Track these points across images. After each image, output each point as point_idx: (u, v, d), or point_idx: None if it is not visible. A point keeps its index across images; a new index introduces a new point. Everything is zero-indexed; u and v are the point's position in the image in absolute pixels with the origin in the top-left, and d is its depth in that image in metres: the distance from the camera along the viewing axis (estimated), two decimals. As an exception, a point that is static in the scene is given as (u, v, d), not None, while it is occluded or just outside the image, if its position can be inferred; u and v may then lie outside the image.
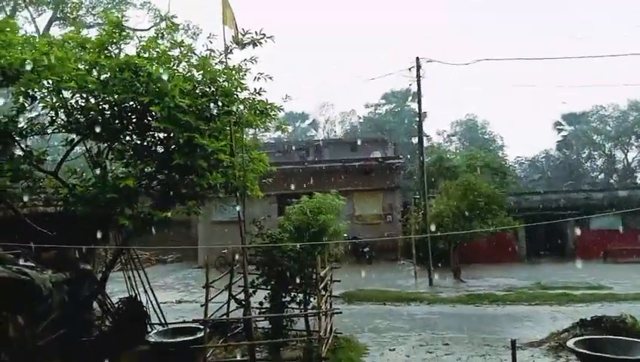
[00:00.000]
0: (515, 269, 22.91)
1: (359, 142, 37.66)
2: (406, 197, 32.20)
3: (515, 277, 20.70)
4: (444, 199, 21.22)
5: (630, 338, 8.78)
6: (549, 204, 28.02)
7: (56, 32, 21.86)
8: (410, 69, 21.06)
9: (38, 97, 7.94)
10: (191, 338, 10.28)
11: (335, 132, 59.93)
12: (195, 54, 9.20)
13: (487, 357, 10.19)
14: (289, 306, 10.22)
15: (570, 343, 8.63)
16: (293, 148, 38.08)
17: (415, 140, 35.40)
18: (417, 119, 24.13)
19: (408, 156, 42.68)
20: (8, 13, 21.02)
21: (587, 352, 8.06)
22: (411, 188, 34.11)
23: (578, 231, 27.22)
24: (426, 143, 52.40)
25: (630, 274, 20.57)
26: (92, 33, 8.84)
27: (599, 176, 52.66)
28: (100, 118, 8.32)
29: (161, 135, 8.26)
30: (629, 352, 8.08)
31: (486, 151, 39.70)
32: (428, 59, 20.68)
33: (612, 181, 49.23)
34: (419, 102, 22.34)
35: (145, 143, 8.25)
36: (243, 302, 9.75)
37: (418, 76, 20.97)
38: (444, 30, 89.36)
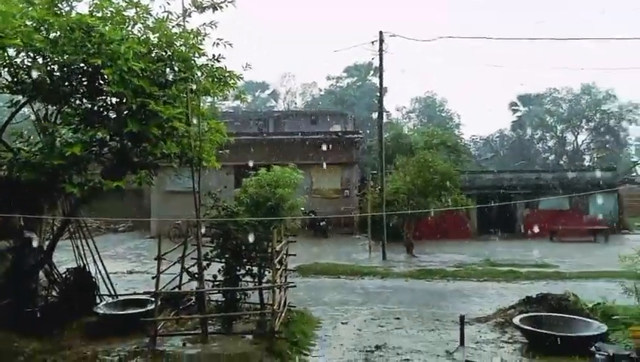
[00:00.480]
0: (465, 246, 23.52)
1: (319, 115, 37.50)
2: (364, 172, 32.42)
3: (466, 253, 21.26)
4: (400, 175, 21.43)
5: (572, 316, 9.18)
6: (501, 183, 28.78)
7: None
8: (372, 43, 20.89)
9: (-21, 54, 7.41)
10: (141, 310, 10.11)
11: (296, 103, 59.45)
12: (151, 15, 8.77)
13: (436, 331, 10.44)
14: (243, 279, 10.13)
15: (515, 320, 8.97)
16: (252, 118, 37.55)
17: (375, 115, 35.53)
18: (378, 94, 24.14)
19: (368, 131, 42.83)
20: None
21: (531, 328, 8.39)
22: (369, 163, 34.32)
23: (527, 211, 28.17)
24: (385, 119, 52.95)
25: (575, 253, 21.45)
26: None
27: (550, 157, 54.48)
28: (47, 78, 7.86)
29: (114, 100, 7.84)
30: (570, 329, 8.45)
31: (443, 129, 40.24)
32: (391, 33, 20.52)
33: (562, 162, 51.02)
34: (380, 77, 22.29)
35: (96, 108, 7.83)
36: (196, 275, 9.60)
37: (380, 50, 20.81)
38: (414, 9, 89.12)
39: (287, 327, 9.93)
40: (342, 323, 11.21)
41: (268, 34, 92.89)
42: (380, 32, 20.66)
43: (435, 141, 32.34)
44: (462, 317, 9.45)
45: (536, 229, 24.53)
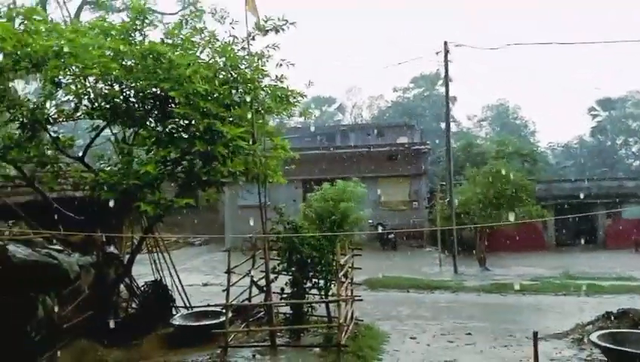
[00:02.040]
0: (542, 258, 22.50)
1: (386, 128, 37.38)
2: (433, 183, 31.89)
3: (543, 266, 20.33)
4: (470, 186, 20.95)
5: (656, 333, 8.58)
6: (580, 192, 27.28)
7: (86, 16, 22.23)
8: (437, 53, 20.72)
9: (63, 84, 8.08)
10: (214, 322, 10.50)
11: (362, 116, 59.54)
12: (218, 40, 9.22)
13: (509, 347, 10.07)
14: (310, 292, 10.27)
15: (593, 336, 8.49)
16: (319, 133, 38.02)
17: (444, 125, 34.91)
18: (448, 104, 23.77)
19: (437, 141, 42.13)
20: (40, -1, 21.46)
21: (610, 346, 7.92)
22: (439, 174, 33.72)
23: (609, 220, 26.53)
24: (455, 128, 51.94)
25: (662, 265, 20.00)
26: (122, 17, 8.87)
27: (634, 163, 51.10)
28: (123, 104, 8.44)
29: (183, 122, 8.31)
30: (654, 347, 7.89)
31: (517, 137, 38.90)
32: (456, 43, 20.27)
33: (648, 168, 47.74)
34: (446, 87, 22.03)
35: (167, 130, 8.32)
36: (264, 288, 9.86)
37: (446, 60, 20.61)
38: (476, 15, 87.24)
39: (354, 341, 9.95)
40: (410, 337, 11.04)
41: (332, 49, 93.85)
42: (445, 42, 20.48)
43: (509, 150, 31.34)
44: (535, 334, 8.98)
45: (619, 240, 23.09)
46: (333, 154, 28.45)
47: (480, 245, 20.79)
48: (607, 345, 7.99)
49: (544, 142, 54.13)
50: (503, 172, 19.78)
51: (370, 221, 25.32)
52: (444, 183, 26.57)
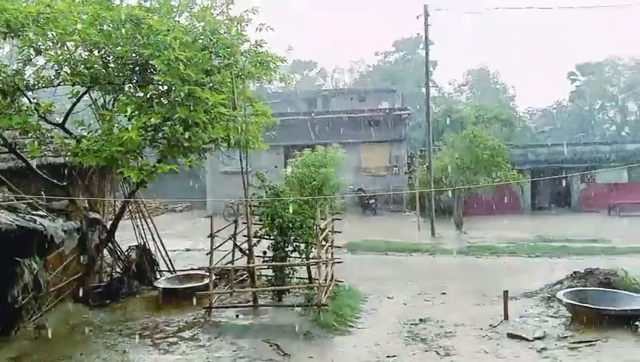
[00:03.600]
0: (518, 222, 23.14)
1: (367, 93, 37.36)
2: (414, 148, 32.24)
3: (518, 229, 20.94)
4: (449, 151, 21.30)
5: (617, 290, 9.09)
6: (556, 157, 27.97)
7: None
8: (417, 17, 20.62)
9: (43, 50, 8.03)
10: (198, 284, 10.80)
11: (344, 81, 59.27)
12: (196, 4, 9.18)
13: (481, 305, 10.57)
14: (291, 256, 10.57)
15: (559, 294, 8.98)
16: (301, 98, 37.89)
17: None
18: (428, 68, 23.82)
19: (418, 106, 42.27)
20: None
21: (574, 303, 8.40)
22: (419, 139, 34.07)
23: (584, 185, 27.30)
24: (436, 93, 52.01)
25: (633, 227, 20.74)
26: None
27: (611, 128, 51.98)
28: (103, 70, 8.43)
29: (164, 88, 8.34)
30: (615, 304, 8.39)
31: (496, 102, 39.25)
32: (437, 7, 20.23)
33: (624, 133, 48.61)
34: (426, 51, 22.06)
35: (148, 96, 8.35)
36: (247, 251, 10.12)
37: (426, 24, 20.56)
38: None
39: (334, 300, 10.34)
40: (388, 297, 11.47)
41: (313, 12, 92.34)
42: (425, 6, 20.39)
43: (488, 115, 31.71)
44: (505, 292, 9.54)
45: (593, 203, 23.82)
46: (314, 120, 28.49)
47: (457, 209, 21.29)
48: (572, 302, 8.48)
49: (523, 107, 54.72)
50: (480, 137, 20.14)
51: (352, 186, 25.68)
52: (424, 148, 26.94)
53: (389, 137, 28.24)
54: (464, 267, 14.80)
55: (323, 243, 10.48)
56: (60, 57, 7.93)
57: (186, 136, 8.01)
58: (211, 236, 9.78)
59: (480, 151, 19.80)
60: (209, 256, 9.80)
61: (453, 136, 21.74)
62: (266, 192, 10.31)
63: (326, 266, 10.44)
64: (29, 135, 8.81)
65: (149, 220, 12.57)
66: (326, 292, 10.08)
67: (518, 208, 26.28)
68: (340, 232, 11.81)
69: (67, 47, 8.08)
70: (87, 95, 9.43)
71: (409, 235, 20.31)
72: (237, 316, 9.64)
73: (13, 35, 7.62)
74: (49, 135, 9.11)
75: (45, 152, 10.19)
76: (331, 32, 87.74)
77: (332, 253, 11.61)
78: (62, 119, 9.34)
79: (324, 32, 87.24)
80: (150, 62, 7.55)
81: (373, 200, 26.00)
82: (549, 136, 47.96)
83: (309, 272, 10.78)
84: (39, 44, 7.81)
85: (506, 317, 9.39)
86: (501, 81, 53.79)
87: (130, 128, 7.68)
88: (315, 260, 9.78)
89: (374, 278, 13.29)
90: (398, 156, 28.39)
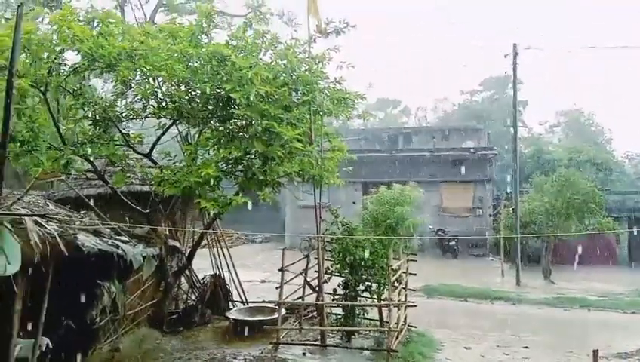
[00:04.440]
0: (613, 273, 21.25)
1: (452, 131, 36.58)
2: (499, 190, 30.89)
3: (613, 282, 19.22)
4: (538, 194, 20.15)
5: None
6: (659, 205, 25.59)
7: (161, 18, 23.16)
8: (506, 56, 20.08)
9: (133, 85, 8.54)
10: (267, 317, 10.75)
11: (427, 119, 58.59)
12: (280, 43, 9.43)
13: (567, 364, 9.68)
14: (362, 295, 10.28)
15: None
16: (382, 135, 37.79)
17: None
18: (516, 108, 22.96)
19: (505, 147, 40.72)
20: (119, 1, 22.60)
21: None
22: (506, 181, 32.63)
23: (690, 236, 24.68)
24: (526, 134, 50.05)
25: None
26: (193, 19, 9.24)
27: None
28: (188, 104, 8.80)
29: (243, 122, 8.56)
30: None
31: (591, 145, 36.95)
32: (526, 46, 19.60)
33: None
34: (514, 90, 21.32)
35: (228, 130, 8.60)
36: (316, 288, 9.97)
37: (514, 63, 19.95)
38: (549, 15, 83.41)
39: (405, 346, 9.89)
40: (464, 347, 10.83)
41: (398, 50, 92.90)
42: (514, 45, 19.82)
43: (581, 158, 29.87)
44: (595, 352, 8.61)
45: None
46: (395, 157, 28.22)
47: (546, 256, 19.94)
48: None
49: (621, 150, 51.01)
50: (573, 180, 18.89)
51: (431, 226, 24.93)
52: (510, 191, 25.72)
53: (473, 177, 27.23)
54: (550, 320, 13.72)
55: (396, 284, 10.12)
56: (148, 91, 8.37)
57: (262, 170, 8.11)
58: (282, 270, 9.75)
59: (571, 195, 18.53)
60: (279, 290, 9.74)
61: (543, 179, 20.54)
62: (339, 228, 10.17)
63: (398, 309, 10.04)
64: (115, 164, 9.31)
65: (225, 250, 12.80)
66: (397, 337, 9.66)
67: (613, 259, 24.14)
68: (414, 274, 11.37)
69: (156, 82, 8.52)
70: (174, 127, 9.90)
71: (491, 282, 19.26)
72: (304, 354, 9.45)
73: (109, 70, 8.16)
74: (133, 165, 9.57)
75: (133, 180, 10.74)
76: (417, 71, 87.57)
77: (406, 296, 11.18)
78: (149, 150, 9.81)
79: (410, 70, 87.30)
80: (231, 95, 7.77)
81: (453, 242, 25.00)
82: (650, 182, 44.33)
83: (381, 314, 10.41)
84: (130, 78, 8.30)
85: (596, 380, 8.46)
86: (596, 123, 50.75)
87: (207, 163, 7.91)
88: (386, 302, 9.42)
89: (451, 326, 12.64)
90: (482, 197, 27.24)
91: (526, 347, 10.78)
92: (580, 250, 21.64)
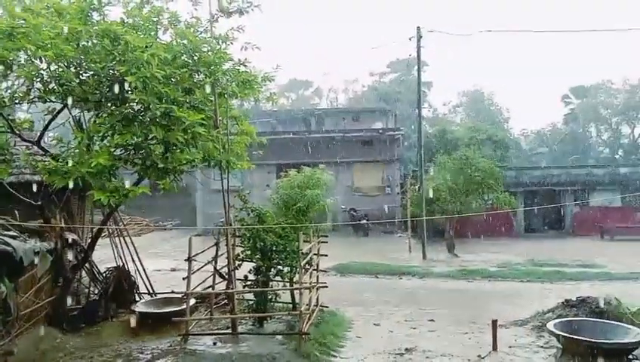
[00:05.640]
0: (511, 245, 22.86)
1: (361, 112, 37.30)
2: (407, 169, 32.02)
3: (510, 252, 20.66)
4: (441, 173, 21.08)
5: (609, 321, 8.76)
6: (550, 179, 27.76)
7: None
8: (410, 39, 20.63)
9: (15, 66, 7.75)
10: (175, 309, 10.38)
11: (338, 100, 59.34)
12: (180, 22, 8.97)
13: (469, 333, 10.23)
14: (274, 280, 10.21)
15: (550, 325, 8.63)
16: (294, 117, 37.77)
17: (418, 111, 34.87)
18: (421, 89, 23.76)
19: (412, 127, 42.18)
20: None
21: (564, 334, 8.06)
22: (413, 160, 33.85)
23: (577, 208, 27.08)
24: (430, 114, 52.07)
25: (626, 251, 20.50)
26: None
27: (605, 151, 52.03)
28: (80, 87, 8.15)
29: (140, 106, 8.05)
30: (607, 335, 8.06)
31: (490, 124, 39.15)
32: (429, 28, 20.22)
33: (617, 156, 48.60)
34: (418, 72, 22.07)
35: (123, 114, 8.04)
36: (226, 275, 9.76)
37: (418, 46, 20.56)
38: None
39: (318, 327, 9.97)
40: (374, 324, 11.13)
41: (309, 30, 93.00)
42: (418, 28, 20.38)
43: (481, 136, 31.56)
44: (494, 321, 9.19)
45: (586, 227, 23.56)
46: (307, 139, 28.34)
47: (449, 231, 20.99)
48: (562, 333, 8.14)
49: (517, 128, 54.73)
50: (472, 158, 19.93)
51: (343, 206, 25.42)
52: (416, 169, 26.73)
53: (383, 157, 28.04)
54: (454, 292, 14.47)
55: (307, 267, 10.15)
56: (33, 73, 7.65)
57: (163, 157, 7.71)
58: (189, 259, 9.41)
59: (472, 172, 19.57)
60: (186, 280, 9.41)
61: (445, 158, 21.51)
62: (248, 214, 9.98)
63: (310, 291, 10.08)
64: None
65: (128, 239, 12.18)
66: (309, 319, 9.71)
67: (511, 231, 25.98)
68: (326, 255, 11.46)
69: (42, 62, 7.78)
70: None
71: (400, 257, 20.02)
72: (215, 343, 9.21)
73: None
74: (18, 154, 8.77)
75: (22, 170, 9.87)
76: (327, 51, 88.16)
77: (317, 277, 11.26)
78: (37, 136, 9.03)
79: (321, 50, 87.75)
80: (126, 78, 7.27)
81: (364, 221, 25.67)
82: (543, 158, 47.97)
83: (293, 297, 10.41)
84: (11, 59, 7.52)
85: (495, 347, 9.04)
86: (496, 103, 53.89)
87: (99, 151, 7.38)
88: (297, 286, 9.42)
89: (361, 302, 12.96)
90: (391, 176, 28.17)
91: (432, 320, 11.27)
92: (481, 224, 23.06)
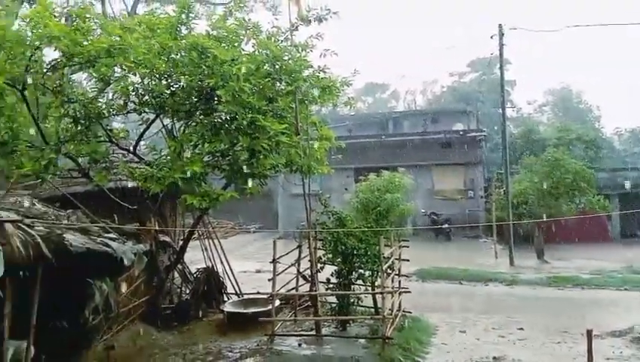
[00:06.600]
0: (605, 250, 21.39)
1: (441, 114, 36.54)
2: (490, 171, 30.93)
3: (605, 259, 19.34)
4: (528, 175, 20.21)
5: None
6: (647, 181, 25.73)
7: (143, 9, 22.74)
8: (492, 37, 19.98)
9: (113, 81, 8.37)
10: (261, 309, 10.71)
11: (416, 102, 58.48)
12: (261, 32, 9.27)
13: (562, 344, 9.74)
14: (355, 283, 10.25)
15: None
16: (372, 121, 37.65)
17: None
18: (505, 88, 22.94)
19: (495, 128, 40.70)
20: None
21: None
22: (496, 162, 32.65)
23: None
24: (514, 114, 49.97)
25: None
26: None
27: None
28: (172, 98, 8.65)
29: (228, 116, 8.43)
30: None
31: (580, 123, 37.00)
32: (511, 26, 19.52)
33: None
34: (501, 71, 21.32)
35: (212, 124, 8.46)
36: (309, 278, 9.93)
37: (500, 44, 19.89)
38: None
39: (401, 333, 9.89)
40: (460, 331, 10.86)
41: (384, 34, 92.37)
42: (500, 25, 19.72)
43: (571, 136, 29.90)
44: (589, 332, 8.62)
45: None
46: (385, 142, 28.17)
47: (538, 236, 20.03)
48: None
49: (610, 127, 51.18)
50: (562, 160, 18.94)
51: (423, 210, 24.97)
52: (501, 172, 25.78)
53: (464, 160, 27.24)
54: (544, 300, 13.80)
55: (389, 271, 10.10)
56: (129, 87, 8.22)
57: (249, 163, 8.02)
58: (274, 261, 9.68)
59: (561, 174, 18.58)
60: (272, 282, 9.68)
61: (532, 159, 20.57)
62: (329, 217, 10.11)
63: (392, 296, 10.03)
64: (99, 162, 9.15)
65: (216, 241, 12.70)
66: (392, 324, 9.66)
67: (605, 236, 24.32)
68: (407, 260, 11.35)
69: (136, 77, 8.35)
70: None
71: (485, 263, 19.34)
72: (299, 345, 9.40)
73: (88, 66, 7.99)
74: (116, 162, 9.43)
75: (120, 176, 10.60)
76: (403, 54, 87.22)
77: (400, 282, 11.18)
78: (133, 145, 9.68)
79: (396, 53, 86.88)
80: (216, 91, 7.66)
81: (446, 225, 25.05)
82: (639, 159, 44.51)
83: (375, 302, 10.40)
84: (108, 75, 8.13)
85: (590, 359, 8.45)
86: (585, 100, 50.81)
87: (193, 159, 7.81)
88: (379, 290, 9.40)
89: (446, 309, 12.68)
90: (474, 179, 27.29)
91: (521, 328, 10.82)
92: (572, 228, 21.79)
